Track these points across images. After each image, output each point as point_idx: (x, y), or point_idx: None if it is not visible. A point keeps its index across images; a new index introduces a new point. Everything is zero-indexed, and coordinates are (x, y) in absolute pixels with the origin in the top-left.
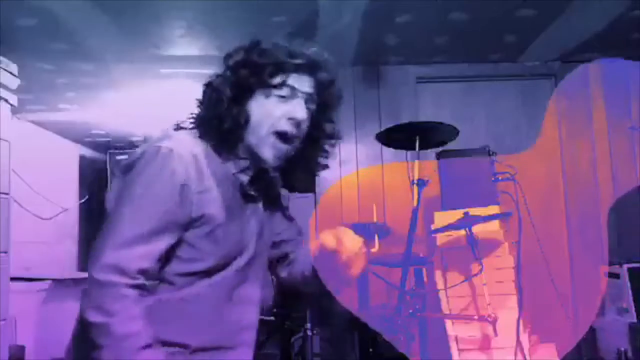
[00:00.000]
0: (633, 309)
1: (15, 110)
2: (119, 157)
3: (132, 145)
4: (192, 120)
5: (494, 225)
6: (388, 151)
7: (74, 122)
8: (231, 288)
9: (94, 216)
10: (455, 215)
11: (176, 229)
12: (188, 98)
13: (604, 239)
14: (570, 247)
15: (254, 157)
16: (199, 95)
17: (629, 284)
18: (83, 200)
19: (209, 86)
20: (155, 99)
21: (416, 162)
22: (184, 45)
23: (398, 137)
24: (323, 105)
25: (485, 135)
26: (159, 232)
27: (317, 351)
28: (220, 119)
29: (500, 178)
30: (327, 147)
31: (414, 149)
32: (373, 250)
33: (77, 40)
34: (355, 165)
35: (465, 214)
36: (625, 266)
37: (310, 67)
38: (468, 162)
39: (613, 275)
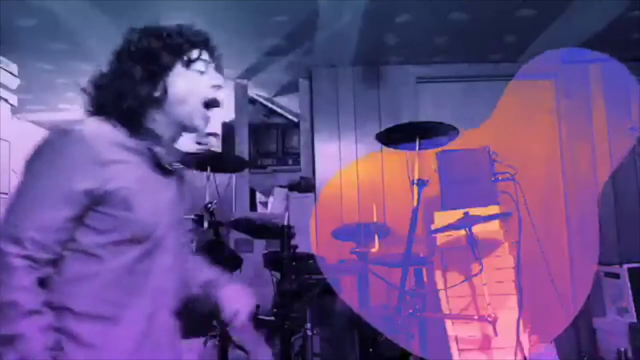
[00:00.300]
0: (633, 309)
1: (15, 110)
2: None
3: None
4: (97, 106)
5: (494, 225)
6: (388, 151)
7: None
8: (150, 257)
9: None
10: (455, 215)
11: (78, 201)
12: None
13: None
14: (570, 247)
15: (180, 125)
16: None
17: (629, 284)
18: None
19: (109, 78)
20: None
21: (416, 162)
22: None
23: (398, 137)
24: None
25: (485, 135)
26: (55, 204)
27: (317, 351)
28: (130, 105)
29: (500, 178)
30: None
31: (414, 149)
32: (373, 250)
33: (77, 40)
34: (355, 165)
35: (465, 214)
36: (625, 266)
37: (207, 42)
38: (468, 162)
39: (613, 275)
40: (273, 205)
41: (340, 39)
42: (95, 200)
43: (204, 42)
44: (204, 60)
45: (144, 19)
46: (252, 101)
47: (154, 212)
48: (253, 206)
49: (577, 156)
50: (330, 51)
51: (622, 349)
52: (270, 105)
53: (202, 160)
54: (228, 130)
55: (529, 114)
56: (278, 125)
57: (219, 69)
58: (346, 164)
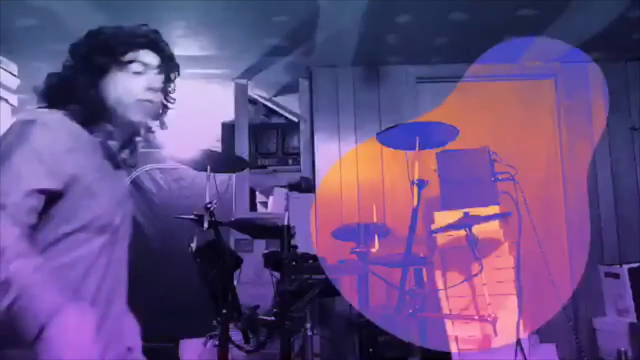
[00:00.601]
0: (633, 309)
1: (15, 110)
2: None
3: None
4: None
5: (494, 225)
6: (388, 151)
7: None
8: (110, 248)
9: None
10: (455, 215)
11: (45, 188)
12: (188, 98)
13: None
14: (570, 247)
15: (127, 124)
16: (199, 95)
17: (629, 284)
18: None
19: (59, 78)
20: None
21: (416, 162)
22: (183, 45)
23: (398, 137)
24: (167, 75)
25: (485, 135)
26: (25, 187)
27: (317, 351)
28: (79, 103)
29: (500, 178)
30: (169, 106)
31: (414, 149)
32: (373, 250)
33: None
34: (355, 165)
35: (465, 214)
36: (625, 266)
37: (153, 44)
38: (468, 162)
39: (613, 275)
40: (273, 205)
41: (340, 39)
42: (60, 188)
43: (144, 44)
44: (141, 62)
45: (144, 19)
46: (252, 101)
47: (112, 201)
48: (253, 206)
49: (577, 156)
50: (330, 51)
51: (622, 349)
52: (270, 105)
53: (202, 160)
54: (228, 130)
55: (529, 114)
56: (278, 125)
57: (164, 69)
58: (346, 163)
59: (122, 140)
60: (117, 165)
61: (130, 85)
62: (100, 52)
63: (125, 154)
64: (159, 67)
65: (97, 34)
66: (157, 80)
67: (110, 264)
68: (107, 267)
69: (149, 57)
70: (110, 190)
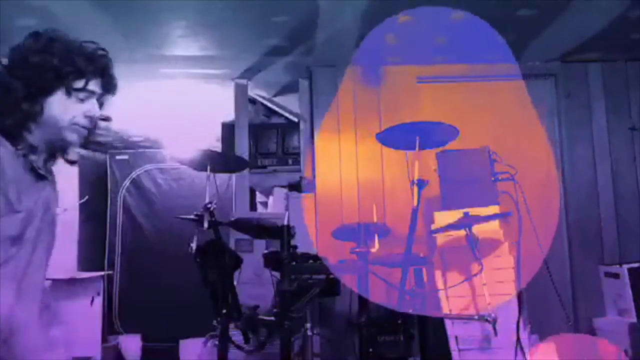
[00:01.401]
0: (633, 309)
1: None
2: (118, 157)
3: (132, 145)
4: None
5: (494, 225)
6: (388, 151)
7: None
8: (29, 257)
9: (94, 216)
10: (455, 215)
11: None
12: (188, 98)
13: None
14: (570, 247)
15: (54, 141)
16: (199, 95)
17: (629, 284)
18: (83, 200)
19: (3, 79)
20: (155, 99)
21: (416, 162)
22: (183, 45)
23: (398, 137)
24: (105, 101)
25: (485, 135)
26: None
27: (317, 351)
28: (11, 114)
29: (500, 178)
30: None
31: (414, 149)
32: (373, 250)
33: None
34: (355, 165)
35: (465, 214)
36: (625, 266)
37: (104, 71)
38: (468, 162)
39: (613, 275)
40: (273, 205)
41: (340, 39)
42: None
43: (96, 72)
44: (88, 91)
45: (144, 19)
46: (252, 101)
47: (29, 215)
48: (253, 206)
49: (577, 156)
50: (330, 51)
51: (622, 349)
52: (270, 105)
53: (202, 160)
54: (228, 130)
55: (529, 114)
56: (278, 125)
57: (106, 96)
58: (346, 164)
59: (45, 155)
60: (39, 176)
61: (70, 108)
62: (51, 72)
63: (44, 171)
64: (101, 94)
65: (48, 47)
66: (96, 107)
67: (27, 269)
68: (25, 271)
69: (96, 86)
70: (28, 203)
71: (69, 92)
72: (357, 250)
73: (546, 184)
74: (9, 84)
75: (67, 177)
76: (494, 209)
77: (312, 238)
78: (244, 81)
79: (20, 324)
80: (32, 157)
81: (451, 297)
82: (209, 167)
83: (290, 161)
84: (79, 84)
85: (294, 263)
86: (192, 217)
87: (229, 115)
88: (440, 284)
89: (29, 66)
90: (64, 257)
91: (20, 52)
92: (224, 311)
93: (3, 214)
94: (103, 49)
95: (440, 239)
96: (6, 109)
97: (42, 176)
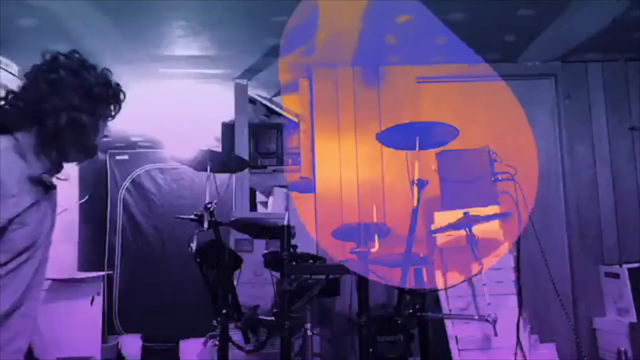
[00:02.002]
0: (633, 309)
1: None
2: (118, 157)
3: (132, 145)
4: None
5: (494, 225)
6: (388, 151)
7: None
8: (39, 266)
9: (94, 216)
10: (455, 215)
11: None
12: (188, 98)
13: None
14: (570, 247)
15: (68, 159)
16: (199, 95)
17: (629, 284)
18: (83, 200)
19: (24, 101)
20: (155, 99)
21: (416, 162)
22: (183, 45)
23: (398, 137)
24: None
25: (485, 135)
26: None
27: (317, 351)
28: (35, 132)
29: (500, 178)
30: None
31: (414, 149)
32: (373, 250)
33: (77, 40)
34: (355, 165)
35: (465, 214)
36: (625, 266)
37: (121, 102)
38: (468, 162)
39: (613, 275)
40: (273, 205)
41: (340, 39)
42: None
43: (118, 103)
44: (112, 116)
45: (144, 19)
46: (252, 101)
47: (39, 226)
48: (253, 206)
49: (577, 156)
50: (330, 51)
51: (622, 349)
52: (270, 105)
53: (202, 160)
54: (228, 130)
55: (529, 114)
56: (278, 125)
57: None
58: (346, 163)
59: (55, 172)
60: (47, 187)
61: (99, 129)
62: (87, 102)
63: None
64: (112, 117)
65: (107, 81)
66: (107, 128)
67: (36, 279)
68: (33, 282)
69: (114, 112)
70: (39, 215)
71: (92, 117)
72: (357, 250)
73: (546, 184)
74: (43, 106)
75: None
76: (494, 209)
77: (312, 237)
78: (244, 81)
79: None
80: (46, 177)
81: (451, 297)
82: (209, 167)
83: (290, 161)
84: (115, 112)
85: (294, 263)
86: (192, 217)
87: (229, 115)
88: (440, 284)
89: (64, 89)
90: (64, 257)
91: (53, 73)
92: (224, 311)
93: (19, 234)
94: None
95: (440, 239)
96: (37, 128)
97: (50, 187)
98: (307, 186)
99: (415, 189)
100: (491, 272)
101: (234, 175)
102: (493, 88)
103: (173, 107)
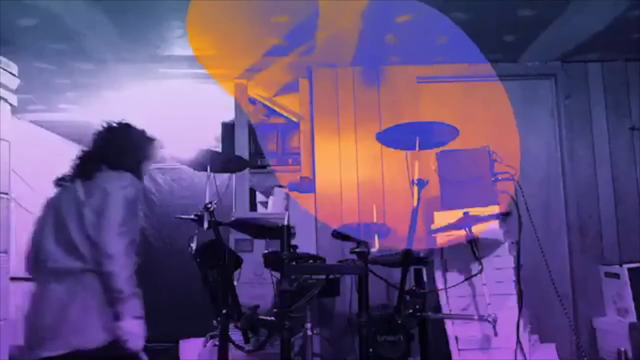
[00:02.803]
0: (633, 309)
1: (15, 110)
2: None
3: None
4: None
5: (494, 225)
6: (388, 151)
7: (74, 122)
8: None
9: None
10: (455, 215)
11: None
12: (188, 98)
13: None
14: (570, 247)
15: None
16: (199, 95)
17: (629, 284)
18: None
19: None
20: (155, 99)
21: (416, 162)
22: (183, 45)
23: (398, 137)
24: None
25: (485, 135)
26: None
27: (317, 351)
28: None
29: (500, 178)
30: None
31: (414, 149)
32: (373, 250)
33: (77, 40)
34: (355, 165)
35: (465, 214)
36: (625, 266)
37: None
38: (468, 162)
39: (613, 275)
40: (273, 205)
41: (340, 39)
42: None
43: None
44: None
45: (144, 19)
46: (252, 101)
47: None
48: (253, 206)
49: (577, 156)
50: (330, 51)
51: (622, 349)
52: (270, 105)
53: (202, 160)
54: (228, 130)
55: (529, 114)
56: (278, 125)
57: None
58: (346, 163)
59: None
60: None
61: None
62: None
63: None
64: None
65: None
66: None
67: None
68: None
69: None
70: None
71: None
72: (357, 250)
73: (546, 184)
74: (128, 151)
75: None
76: (494, 209)
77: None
78: (244, 81)
79: None
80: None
81: (451, 297)
82: (209, 167)
83: (290, 161)
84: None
85: (294, 263)
86: (192, 217)
87: (229, 115)
88: (440, 284)
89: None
90: None
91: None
92: (224, 311)
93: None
94: None
95: (440, 239)
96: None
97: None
98: (307, 186)
99: (415, 188)
100: (491, 272)
101: (234, 175)
102: (493, 88)
103: (173, 107)
